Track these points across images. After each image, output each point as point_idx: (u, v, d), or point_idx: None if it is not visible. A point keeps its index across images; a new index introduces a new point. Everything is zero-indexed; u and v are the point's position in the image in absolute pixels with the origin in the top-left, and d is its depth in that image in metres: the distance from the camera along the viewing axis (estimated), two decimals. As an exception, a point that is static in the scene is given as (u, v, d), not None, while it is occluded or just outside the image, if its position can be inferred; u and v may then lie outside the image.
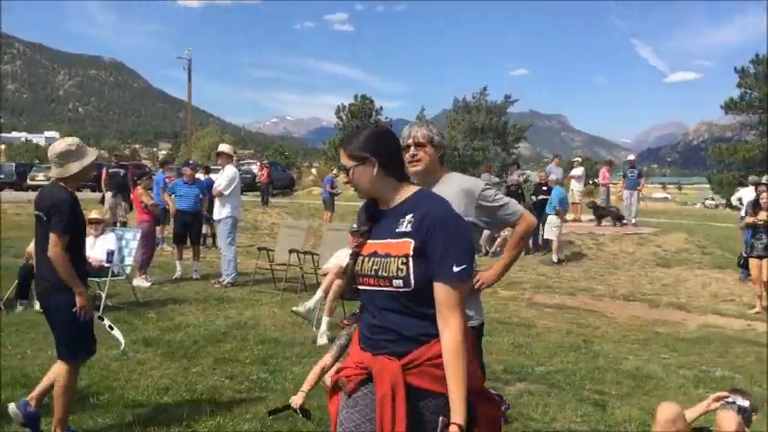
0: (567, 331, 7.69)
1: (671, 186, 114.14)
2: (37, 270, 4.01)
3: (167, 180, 12.40)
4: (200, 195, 10.66)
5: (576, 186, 19.19)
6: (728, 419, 3.32)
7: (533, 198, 14.84)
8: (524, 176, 17.63)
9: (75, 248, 3.89)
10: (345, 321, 6.92)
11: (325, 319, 6.72)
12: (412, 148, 3.15)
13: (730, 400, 3.43)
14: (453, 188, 3.12)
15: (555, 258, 13.24)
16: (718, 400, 3.60)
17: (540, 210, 14.19)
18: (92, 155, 4.01)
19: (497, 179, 20.70)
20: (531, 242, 14.40)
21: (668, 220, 21.95)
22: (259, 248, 10.27)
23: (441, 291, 2.10)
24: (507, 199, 3.30)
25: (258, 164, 31.28)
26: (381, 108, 52.24)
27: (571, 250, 14.24)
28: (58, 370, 3.87)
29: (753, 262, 9.34)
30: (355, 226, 8.27)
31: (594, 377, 5.75)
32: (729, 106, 41.26)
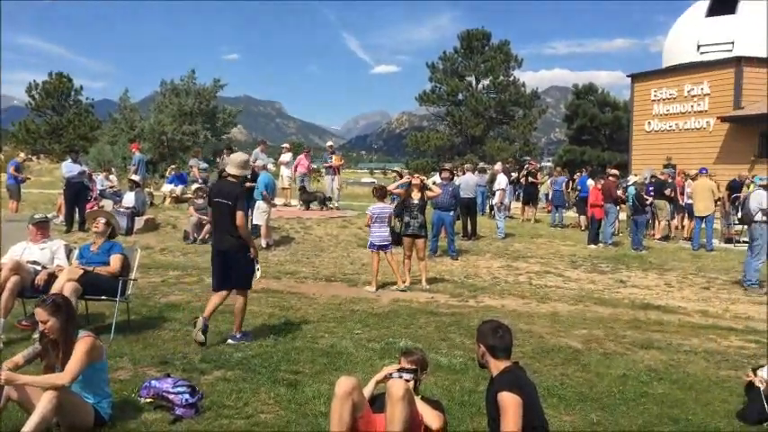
0: (270, 315, 7.85)
1: (377, 171, 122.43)
2: None
3: None
4: None
5: (285, 172, 19.62)
6: (396, 386, 3.70)
7: None
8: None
9: None
10: (24, 323, 6.30)
11: (-1, 321, 6.01)
12: None
13: (395, 375, 3.84)
14: None
15: (263, 243, 13.38)
16: (388, 374, 3.98)
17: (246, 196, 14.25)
18: None
19: (206, 164, 20.36)
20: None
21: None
22: None
23: None
24: None
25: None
26: (81, 87, 48.31)
27: (280, 234, 14.54)
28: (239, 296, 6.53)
29: (406, 240, 10.29)
30: (37, 216, 7.53)
31: (291, 358, 5.95)
32: (423, 98, 45.54)
